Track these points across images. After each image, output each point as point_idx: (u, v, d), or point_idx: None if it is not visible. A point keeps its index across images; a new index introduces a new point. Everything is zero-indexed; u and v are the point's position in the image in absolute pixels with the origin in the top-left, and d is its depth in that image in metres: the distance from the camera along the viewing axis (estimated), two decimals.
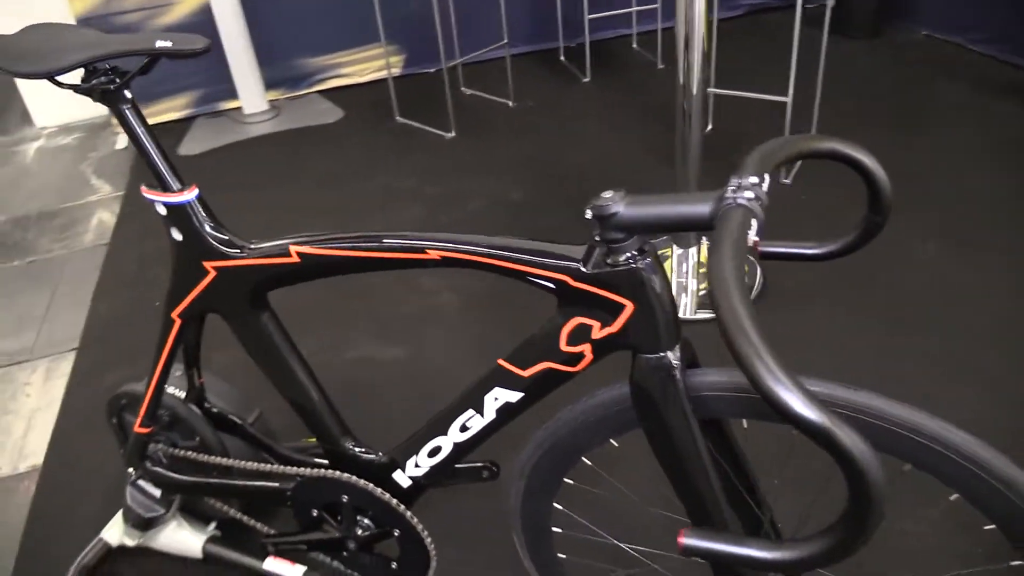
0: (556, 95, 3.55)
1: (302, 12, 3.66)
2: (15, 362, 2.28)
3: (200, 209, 1.04)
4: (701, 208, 0.71)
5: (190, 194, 1.04)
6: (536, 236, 0.87)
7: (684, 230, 0.71)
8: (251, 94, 3.64)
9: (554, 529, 1.12)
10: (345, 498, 1.16)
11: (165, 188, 1.04)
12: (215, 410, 1.37)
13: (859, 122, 2.98)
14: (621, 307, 0.81)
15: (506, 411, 0.96)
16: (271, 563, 1.42)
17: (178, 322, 1.13)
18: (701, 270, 2.23)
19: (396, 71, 3.86)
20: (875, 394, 0.78)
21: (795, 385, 0.53)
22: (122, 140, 3.64)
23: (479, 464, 1.17)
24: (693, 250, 2.24)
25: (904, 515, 1.47)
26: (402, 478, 1.11)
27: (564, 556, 1.16)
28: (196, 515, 1.55)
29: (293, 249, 0.96)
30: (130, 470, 1.39)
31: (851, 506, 0.55)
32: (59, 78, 0.96)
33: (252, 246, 1.02)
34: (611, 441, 0.96)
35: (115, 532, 1.57)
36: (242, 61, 3.55)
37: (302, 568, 1.39)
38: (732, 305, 0.57)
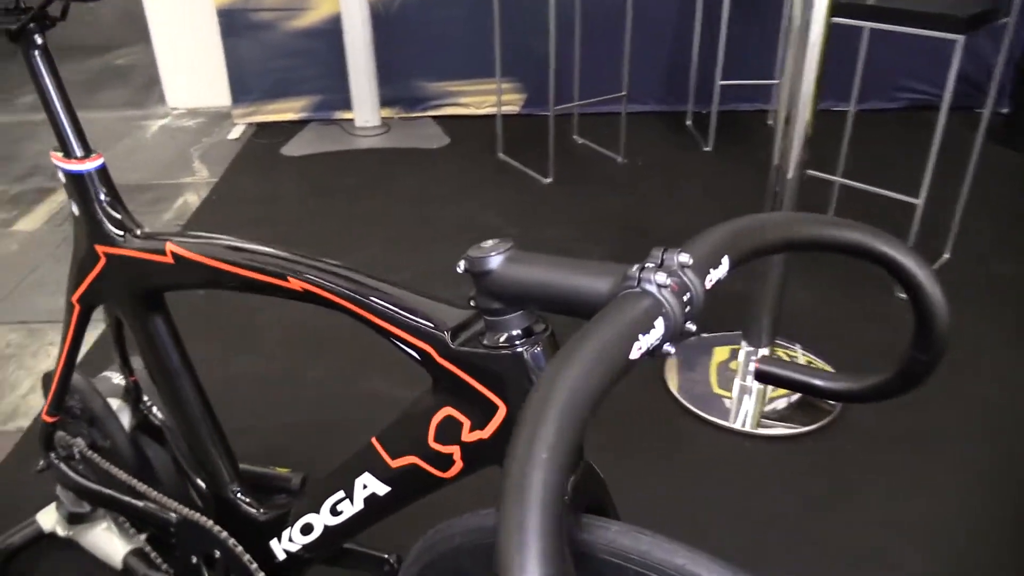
0: (670, 158, 3.32)
1: (431, 37, 3.63)
2: (50, 320, 2.27)
3: (99, 183, 0.90)
4: (598, 284, 0.49)
5: (91, 164, 0.90)
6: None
7: (573, 312, 0.48)
8: (365, 108, 3.63)
9: None
10: (217, 554, 0.98)
11: (67, 153, 0.90)
12: (146, 414, 1.23)
13: (1011, 247, 2.56)
14: (494, 408, 0.58)
15: (374, 504, 0.75)
16: None
17: (77, 308, 0.99)
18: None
19: (514, 109, 3.75)
20: None
21: None
22: (236, 130, 3.71)
23: (383, 555, 0.96)
24: (765, 350, 1.93)
25: None
26: (278, 549, 0.92)
27: None
28: (133, 522, 1.41)
29: (168, 248, 0.80)
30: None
31: None
32: None
33: (138, 234, 0.86)
34: None
35: (49, 518, 1.46)
36: (362, 74, 3.54)
37: None
38: (530, 455, 0.34)
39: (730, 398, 1.88)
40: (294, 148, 3.49)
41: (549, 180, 3.08)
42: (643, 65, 3.47)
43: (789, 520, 1.54)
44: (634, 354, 0.41)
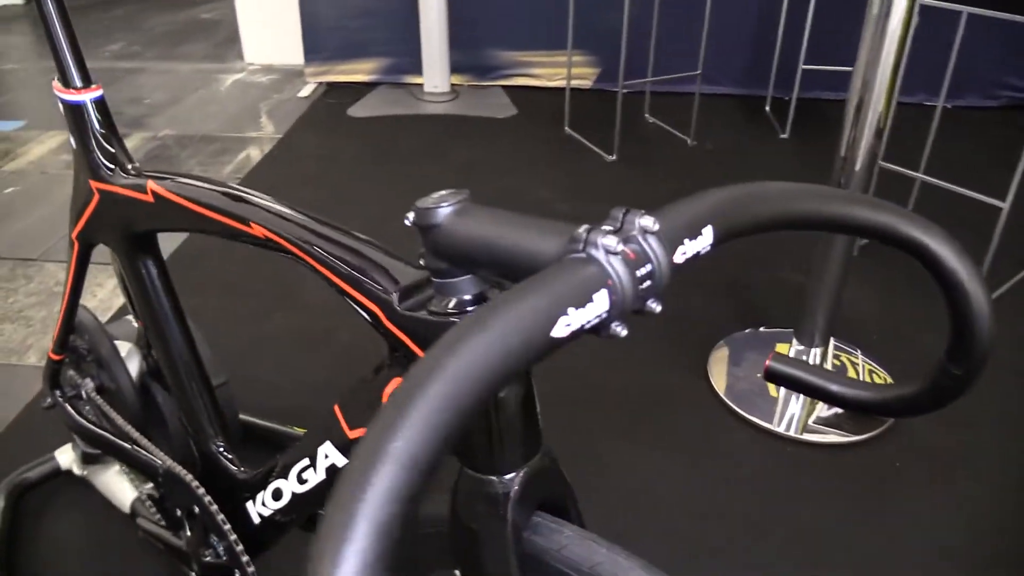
0: (742, 144, 3.17)
1: (506, 5, 3.55)
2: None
3: (95, 115, 0.87)
4: (543, 245, 0.41)
5: (89, 94, 0.86)
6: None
7: (514, 277, 0.41)
8: (435, 73, 3.58)
9: None
10: (196, 510, 0.95)
11: (67, 83, 0.87)
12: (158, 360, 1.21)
13: None
14: None
15: (335, 475, 0.69)
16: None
17: (77, 245, 0.97)
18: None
19: (586, 83, 3.65)
20: None
21: None
22: (307, 89, 3.72)
23: None
24: (817, 351, 1.81)
25: None
26: (253, 512, 0.88)
27: None
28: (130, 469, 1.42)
29: (149, 186, 0.76)
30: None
31: None
32: None
33: (128, 169, 0.83)
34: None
35: (67, 456, 1.48)
36: (434, 39, 3.49)
37: None
38: (379, 441, 0.28)
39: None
40: (361, 109, 3.48)
41: (613, 158, 2.98)
42: (722, 44, 3.31)
43: (819, 534, 1.44)
44: (560, 331, 0.34)
